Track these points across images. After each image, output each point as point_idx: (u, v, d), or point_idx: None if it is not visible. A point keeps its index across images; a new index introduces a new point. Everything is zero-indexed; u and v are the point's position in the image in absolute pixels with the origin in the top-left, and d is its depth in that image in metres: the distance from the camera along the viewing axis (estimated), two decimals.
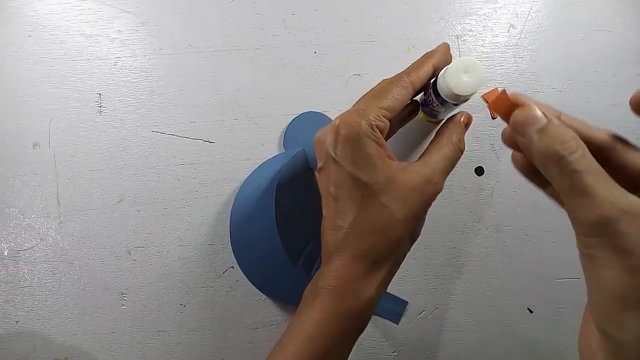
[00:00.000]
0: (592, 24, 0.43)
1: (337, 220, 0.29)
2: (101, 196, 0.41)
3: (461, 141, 0.32)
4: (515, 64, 0.43)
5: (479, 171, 0.42)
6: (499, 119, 0.42)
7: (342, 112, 0.30)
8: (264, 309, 0.41)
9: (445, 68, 0.33)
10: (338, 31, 0.43)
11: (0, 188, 0.41)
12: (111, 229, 0.41)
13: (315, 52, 0.43)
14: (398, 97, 0.30)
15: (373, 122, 0.29)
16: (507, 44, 0.43)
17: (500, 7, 0.43)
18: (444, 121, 0.33)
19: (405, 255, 0.31)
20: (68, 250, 0.41)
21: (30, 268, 0.41)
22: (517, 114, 0.23)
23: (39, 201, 0.41)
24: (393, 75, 0.43)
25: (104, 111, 0.42)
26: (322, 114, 0.42)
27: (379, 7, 0.43)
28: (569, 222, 0.41)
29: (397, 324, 0.41)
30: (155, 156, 0.42)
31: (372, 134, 0.29)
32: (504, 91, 0.23)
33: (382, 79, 0.32)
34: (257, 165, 0.41)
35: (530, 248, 0.42)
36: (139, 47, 0.42)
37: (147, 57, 0.42)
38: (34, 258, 0.41)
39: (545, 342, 0.41)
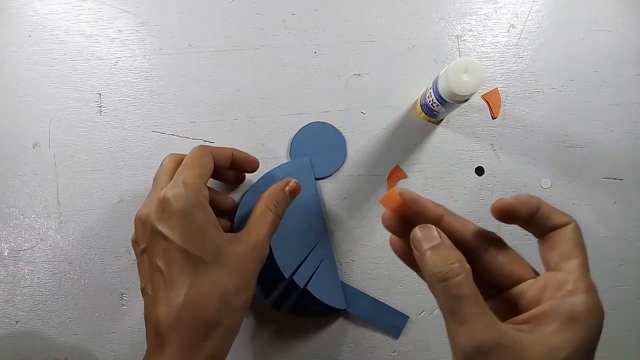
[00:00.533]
0: (592, 24, 0.43)
1: (169, 297, 0.28)
2: (101, 196, 0.41)
3: (279, 207, 0.34)
4: (515, 64, 0.43)
5: (479, 171, 0.42)
6: (498, 118, 0.42)
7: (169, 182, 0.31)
8: (264, 309, 0.41)
9: (445, 68, 0.33)
10: (338, 31, 0.43)
11: (0, 188, 0.41)
12: (111, 229, 0.41)
13: (315, 52, 0.43)
14: (209, 165, 0.32)
15: (199, 192, 0.30)
16: (507, 44, 0.43)
17: (500, 7, 0.43)
18: (268, 188, 0.35)
19: (238, 328, 0.31)
20: (68, 250, 0.41)
21: (30, 268, 0.41)
22: (416, 231, 0.23)
23: (39, 201, 0.41)
24: (390, 76, 0.43)
25: (104, 111, 0.42)
26: (329, 124, 0.42)
27: (379, 7, 0.43)
28: None
29: (397, 338, 0.41)
30: (155, 156, 0.42)
31: (199, 203, 0.29)
32: (395, 192, 0.24)
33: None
34: (263, 172, 0.41)
35: (530, 248, 0.41)
36: (139, 47, 0.42)
37: (147, 57, 0.42)
38: (34, 258, 0.41)
39: None
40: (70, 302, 0.41)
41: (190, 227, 0.29)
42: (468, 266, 0.22)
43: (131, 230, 0.41)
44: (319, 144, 0.42)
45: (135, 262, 0.40)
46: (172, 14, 0.43)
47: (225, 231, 0.33)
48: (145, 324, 0.30)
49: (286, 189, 0.35)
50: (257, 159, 0.38)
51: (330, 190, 0.42)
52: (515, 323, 0.21)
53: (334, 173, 0.42)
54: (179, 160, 0.33)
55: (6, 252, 0.41)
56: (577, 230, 0.24)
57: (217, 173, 0.35)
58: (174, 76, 0.42)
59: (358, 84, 0.42)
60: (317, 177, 0.41)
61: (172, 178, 0.31)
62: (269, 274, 0.36)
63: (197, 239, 0.29)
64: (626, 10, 0.43)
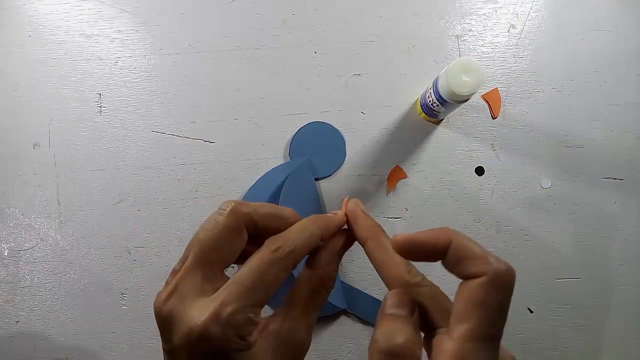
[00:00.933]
0: (592, 24, 0.43)
1: None
2: (101, 196, 0.41)
3: (331, 272, 0.25)
4: (515, 64, 0.43)
5: (479, 171, 0.42)
6: (498, 118, 0.42)
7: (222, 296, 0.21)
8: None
9: (445, 68, 0.33)
10: (338, 31, 0.43)
11: (0, 188, 0.41)
12: (111, 229, 0.41)
13: (315, 52, 0.43)
14: (276, 282, 0.22)
15: (244, 332, 0.21)
16: (507, 44, 0.43)
17: (500, 7, 0.43)
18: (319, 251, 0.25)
19: None
20: (68, 250, 0.41)
21: (30, 268, 0.41)
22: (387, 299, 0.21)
23: (39, 201, 0.41)
24: (390, 76, 0.43)
25: (104, 111, 0.42)
26: (328, 124, 0.42)
27: (379, 7, 0.43)
28: (570, 223, 0.41)
29: None
30: (155, 156, 0.42)
31: (242, 345, 0.21)
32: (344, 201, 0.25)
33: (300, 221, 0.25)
34: (263, 172, 0.41)
35: (530, 248, 0.42)
36: (139, 47, 0.42)
37: (147, 57, 0.42)
38: (34, 258, 0.41)
39: (545, 342, 0.41)
40: (70, 302, 0.41)
41: None
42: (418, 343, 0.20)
43: (131, 230, 0.41)
44: (318, 144, 0.42)
45: (135, 262, 0.40)
46: (172, 14, 0.43)
47: None
48: None
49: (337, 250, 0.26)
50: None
51: (330, 190, 0.42)
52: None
53: (333, 173, 0.42)
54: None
55: (6, 252, 0.41)
56: (488, 286, 0.18)
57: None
58: (174, 76, 0.42)
59: (358, 84, 0.42)
60: (316, 177, 0.41)
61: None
62: None
63: None
64: (626, 10, 0.43)
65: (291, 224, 0.25)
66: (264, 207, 0.24)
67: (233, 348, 0.21)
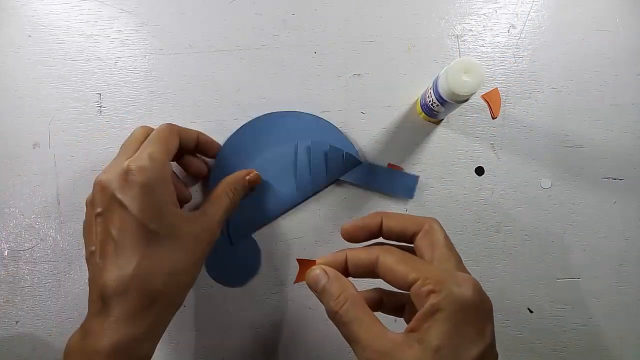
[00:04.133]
0: (592, 24, 0.43)
1: (120, 265, 0.29)
2: None
3: (236, 194, 0.36)
4: (515, 64, 0.43)
5: (479, 171, 0.42)
6: (498, 118, 0.42)
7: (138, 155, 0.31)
8: (264, 309, 0.41)
9: (445, 68, 0.33)
10: (338, 31, 0.43)
11: (0, 188, 0.41)
12: None
13: (315, 52, 0.43)
14: (174, 143, 0.34)
15: (164, 168, 0.30)
16: (507, 44, 0.43)
17: (500, 7, 0.43)
18: (229, 175, 0.37)
19: (181, 304, 0.32)
20: (68, 250, 0.41)
21: (30, 268, 0.41)
22: (308, 277, 0.26)
23: (39, 201, 0.41)
24: (390, 76, 0.43)
25: (104, 111, 0.42)
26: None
27: (379, 7, 0.43)
28: (570, 223, 0.41)
29: (412, 197, 0.41)
30: None
31: (163, 179, 0.30)
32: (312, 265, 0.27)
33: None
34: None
35: (530, 248, 0.42)
36: (139, 47, 0.42)
37: (147, 57, 0.42)
38: (34, 258, 0.41)
39: (545, 342, 0.41)
40: (70, 302, 0.41)
41: (150, 201, 0.30)
42: (353, 292, 0.25)
43: None
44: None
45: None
46: (172, 14, 0.43)
47: (186, 200, 0.38)
48: (90, 287, 0.31)
49: (247, 177, 0.37)
50: (220, 145, 0.40)
51: (330, 190, 0.42)
52: (410, 327, 0.23)
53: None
54: (149, 133, 0.34)
55: (6, 252, 0.41)
56: (428, 233, 0.26)
57: (180, 157, 0.38)
58: (174, 76, 0.42)
59: (358, 84, 0.42)
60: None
61: (138, 149, 0.32)
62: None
63: (155, 214, 0.30)
64: (626, 10, 0.43)
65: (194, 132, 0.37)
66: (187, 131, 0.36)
67: (156, 178, 0.30)
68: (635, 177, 0.42)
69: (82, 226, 0.41)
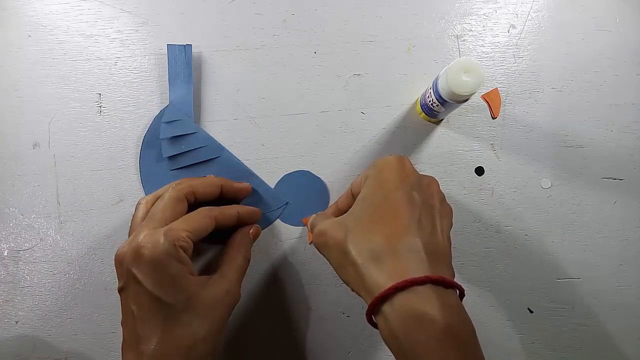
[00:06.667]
0: (592, 24, 0.43)
1: (141, 344, 0.29)
2: (101, 196, 0.41)
3: (248, 251, 0.36)
4: (515, 64, 0.43)
5: (479, 171, 0.42)
6: (498, 118, 0.42)
7: (145, 232, 0.30)
8: (264, 308, 0.41)
9: (445, 68, 0.33)
10: (338, 31, 0.43)
11: (0, 188, 0.41)
12: (111, 229, 0.41)
13: (315, 52, 0.43)
14: (203, 225, 0.33)
15: (177, 243, 0.30)
16: (507, 44, 0.43)
17: (500, 7, 0.43)
18: (235, 233, 0.37)
19: None
20: (68, 250, 0.41)
21: (30, 268, 0.41)
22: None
23: (39, 201, 0.41)
24: (390, 75, 0.43)
25: (104, 111, 0.42)
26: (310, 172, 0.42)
27: (379, 7, 0.43)
28: (570, 223, 0.41)
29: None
30: None
31: (175, 254, 0.30)
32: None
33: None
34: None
35: (530, 248, 0.42)
36: (139, 47, 0.42)
37: (147, 57, 0.42)
38: (34, 258, 0.41)
39: (545, 342, 0.41)
40: (70, 302, 0.41)
41: (164, 276, 0.29)
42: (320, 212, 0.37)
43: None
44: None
45: None
46: (172, 14, 0.43)
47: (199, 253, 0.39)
48: (121, 356, 0.31)
49: (250, 232, 0.37)
50: (259, 210, 0.39)
51: (330, 190, 0.42)
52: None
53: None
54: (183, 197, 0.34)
55: (6, 252, 0.41)
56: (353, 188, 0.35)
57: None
58: None
59: (358, 84, 0.42)
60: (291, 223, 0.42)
61: (164, 219, 0.32)
62: None
63: (170, 288, 0.29)
64: (626, 10, 0.43)
65: (216, 185, 0.37)
66: (199, 182, 0.36)
67: (167, 253, 0.29)
68: (635, 177, 0.42)
69: (84, 228, 0.41)
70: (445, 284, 0.26)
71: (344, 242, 0.29)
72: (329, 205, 0.42)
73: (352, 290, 0.29)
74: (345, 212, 0.32)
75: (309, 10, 0.43)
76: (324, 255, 0.32)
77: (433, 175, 0.41)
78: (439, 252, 0.28)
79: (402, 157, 0.32)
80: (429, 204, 0.30)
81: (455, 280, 0.27)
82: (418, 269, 0.26)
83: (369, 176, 0.31)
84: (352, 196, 0.34)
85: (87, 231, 0.41)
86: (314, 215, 0.36)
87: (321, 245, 0.32)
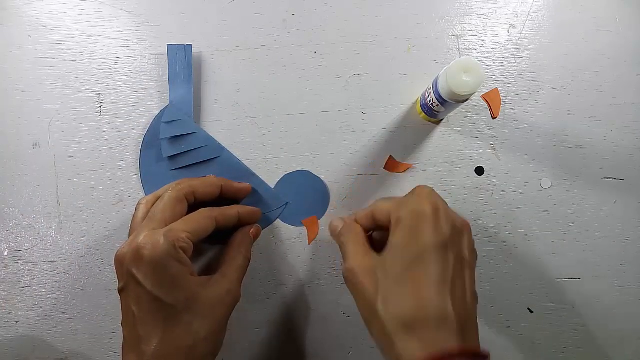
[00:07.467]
0: (592, 24, 0.43)
1: (141, 344, 0.29)
2: (101, 196, 0.41)
3: (248, 251, 0.36)
4: (515, 64, 0.43)
5: (479, 171, 0.42)
6: (498, 118, 0.42)
7: (146, 231, 0.30)
8: (264, 308, 0.41)
9: (445, 68, 0.33)
10: (338, 31, 0.43)
11: (0, 188, 0.41)
12: (111, 229, 0.41)
13: (315, 52, 0.43)
14: (203, 225, 0.33)
15: (177, 244, 0.30)
16: (507, 44, 0.43)
17: (500, 7, 0.43)
18: (236, 233, 0.37)
19: None
20: (68, 250, 0.41)
21: (30, 268, 0.41)
22: (329, 225, 0.37)
23: (39, 201, 0.41)
24: (390, 75, 0.43)
25: (104, 111, 0.42)
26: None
27: (379, 7, 0.43)
28: (570, 223, 0.41)
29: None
30: None
31: (175, 254, 0.30)
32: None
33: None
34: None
35: (530, 248, 0.42)
36: (139, 47, 0.42)
37: (147, 57, 0.42)
38: (34, 258, 0.41)
39: (545, 342, 0.41)
40: (70, 302, 0.41)
41: (164, 276, 0.29)
42: (349, 223, 0.34)
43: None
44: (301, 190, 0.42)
45: None
46: (172, 14, 0.43)
47: (199, 252, 0.38)
48: (122, 356, 0.31)
49: (251, 232, 0.37)
50: (259, 210, 0.39)
51: (330, 190, 0.42)
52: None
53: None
54: (183, 197, 0.34)
55: (6, 252, 0.41)
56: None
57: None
58: None
59: (358, 84, 0.42)
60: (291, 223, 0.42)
61: (164, 219, 0.32)
62: None
63: (170, 288, 0.29)
64: (626, 10, 0.43)
65: (216, 185, 0.37)
66: (200, 182, 0.36)
67: (167, 253, 0.29)
68: (635, 177, 0.42)
69: (84, 228, 0.41)
70: (477, 356, 0.26)
71: (374, 299, 0.29)
72: (329, 205, 0.42)
73: (376, 344, 0.30)
74: (363, 228, 0.34)
75: (309, 10, 0.43)
76: (349, 289, 0.32)
77: (434, 179, 0.42)
78: (470, 318, 0.28)
79: (437, 207, 0.30)
80: (460, 258, 0.29)
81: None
82: (451, 339, 0.26)
83: (402, 221, 0.30)
84: (373, 219, 0.33)
85: (87, 231, 0.41)
86: (337, 220, 0.36)
87: (349, 284, 0.31)
